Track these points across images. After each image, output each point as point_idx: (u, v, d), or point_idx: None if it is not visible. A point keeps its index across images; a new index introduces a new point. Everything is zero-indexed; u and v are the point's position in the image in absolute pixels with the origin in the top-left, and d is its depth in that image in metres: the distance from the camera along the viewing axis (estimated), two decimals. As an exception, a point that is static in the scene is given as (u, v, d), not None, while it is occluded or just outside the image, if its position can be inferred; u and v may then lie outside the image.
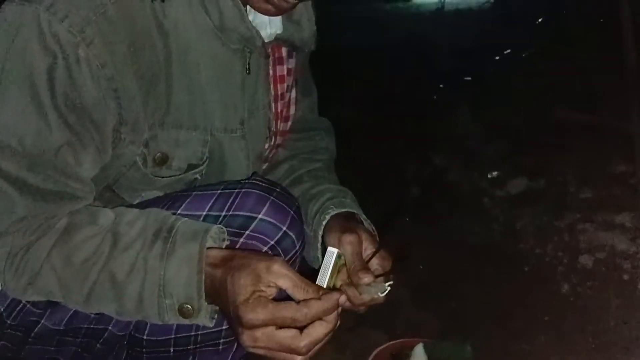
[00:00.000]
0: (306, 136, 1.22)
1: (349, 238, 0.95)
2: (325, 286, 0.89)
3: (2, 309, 0.96)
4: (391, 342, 1.54)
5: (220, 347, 0.97)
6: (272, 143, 1.12)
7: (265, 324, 0.76)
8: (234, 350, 0.99)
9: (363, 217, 1.06)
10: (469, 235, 2.27)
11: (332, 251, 0.91)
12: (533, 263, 2.07)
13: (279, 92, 1.08)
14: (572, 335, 1.66)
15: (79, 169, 0.87)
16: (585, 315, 1.76)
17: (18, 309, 0.95)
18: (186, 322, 0.85)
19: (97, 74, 0.83)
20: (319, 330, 0.77)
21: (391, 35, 7.15)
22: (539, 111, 2.97)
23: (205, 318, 0.84)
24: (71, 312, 0.95)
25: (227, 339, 0.95)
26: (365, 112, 3.72)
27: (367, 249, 0.98)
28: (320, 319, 0.77)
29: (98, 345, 0.99)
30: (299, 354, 0.78)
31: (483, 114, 3.41)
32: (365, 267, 0.94)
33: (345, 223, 1.00)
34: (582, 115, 2.70)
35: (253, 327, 0.77)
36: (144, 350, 0.97)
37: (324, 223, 1.01)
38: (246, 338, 0.78)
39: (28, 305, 0.94)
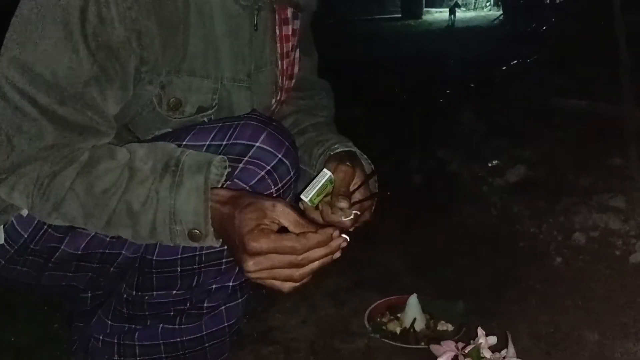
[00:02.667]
0: (308, 95, 1.31)
1: (343, 168, 1.05)
2: (308, 199, 0.99)
3: (25, 235, 1.04)
4: (387, 298, 1.63)
5: (223, 267, 1.06)
6: (278, 98, 1.22)
7: (267, 252, 0.85)
8: (236, 271, 1.08)
9: (364, 157, 1.15)
10: (468, 218, 2.36)
11: (326, 172, 1.01)
12: (527, 240, 2.15)
13: (285, 51, 1.16)
14: (561, 299, 1.73)
15: (103, 104, 0.96)
16: (576, 284, 1.83)
17: (40, 234, 1.03)
18: (195, 244, 0.95)
19: (124, 15, 0.92)
20: (315, 253, 0.87)
21: (403, 49, 7.32)
22: (539, 107, 3.06)
23: (212, 241, 0.94)
24: (89, 238, 1.04)
25: (229, 259, 1.04)
26: (375, 112, 3.86)
27: (357, 183, 1.08)
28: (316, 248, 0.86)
29: (112, 269, 1.09)
30: (294, 280, 0.87)
31: (486, 114, 3.52)
32: (347, 194, 1.03)
33: (346, 158, 1.09)
34: (579, 105, 2.78)
35: (256, 254, 0.85)
36: (153, 271, 1.06)
37: (329, 154, 1.11)
38: (249, 264, 0.86)
39: (50, 231, 1.03)
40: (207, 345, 1.15)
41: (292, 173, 1.03)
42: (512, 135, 2.97)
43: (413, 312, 1.52)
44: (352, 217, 1.00)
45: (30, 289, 1.18)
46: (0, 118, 0.93)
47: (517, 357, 1.13)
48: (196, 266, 1.06)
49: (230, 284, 1.10)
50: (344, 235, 0.89)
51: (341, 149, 1.13)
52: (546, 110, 3.08)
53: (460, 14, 9.89)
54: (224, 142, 1.01)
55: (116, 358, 1.16)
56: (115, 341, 1.15)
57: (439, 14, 10.87)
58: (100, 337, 1.16)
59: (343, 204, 1.01)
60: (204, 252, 1.04)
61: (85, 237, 1.04)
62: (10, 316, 1.55)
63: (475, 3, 15.12)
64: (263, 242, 0.85)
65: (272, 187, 1.00)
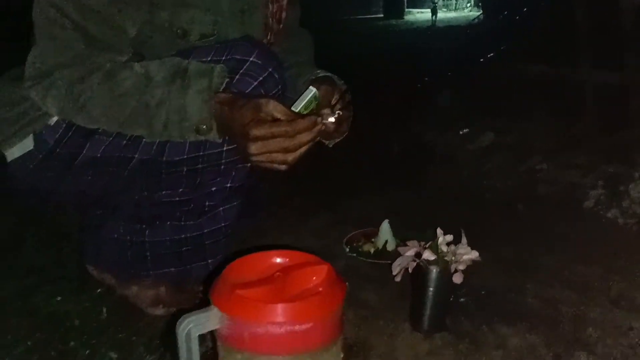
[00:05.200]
0: (292, 40, 1.52)
1: (325, 86, 1.26)
2: (297, 110, 1.19)
3: (52, 142, 1.23)
4: (364, 229, 1.82)
5: (222, 168, 1.24)
6: (267, 38, 1.42)
7: (265, 137, 1.05)
8: (232, 174, 1.27)
9: (342, 82, 1.36)
10: (441, 177, 2.55)
11: (311, 89, 1.22)
12: (494, 193, 2.35)
13: None
14: (523, 234, 1.92)
15: (123, 24, 1.16)
16: (536, 223, 2.02)
17: (65, 140, 1.22)
18: (201, 138, 1.14)
19: None
20: (304, 137, 1.07)
21: (385, 45, 7.54)
22: (508, 80, 3.27)
23: (215, 135, 1.13)
24: (106, 143, 1.22)
25: (228, 160, 1.23)
26: (358, 97, 4.04)
27: (337, 99, 1.29)
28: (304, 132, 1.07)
29: (126, 172, 1.27)
30: (287, 163, 1.08)
31: (459, 95, 3.73)
32: (329, 106, 1.24)
33: (327, 80, 1.31)
34: (543, 70, 2.97)
35: (256, 139, 1.06)
36: (162, 171, 1.25)
37: (312, 78, 1.32)
38: (252, 149, 1.07)
39: (74, 137, 1.22)
40: (206, 242, 1.33)
41: (279, 85, 1.22)
42: (482, 108, 3.17)
43: (385, 235, 1.71)
44: (334, 117, 1.20)
45: (50, 197, 1.36)
46: (39, 31, 1.12)
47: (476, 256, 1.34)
48: (199, 166, 1.24)
49: (228, 185, 1.28)
50: (327, 120, 1.09)
51: (322, 74, 1.34)
52: (515, 83, 3.30)
53: (441, 14, 10.15)
54: (223, 58, 1.20)
55: (128, 253, 1.34)
56: (128, 238, 1.33)
57: (420, 15, 11.13)
58: (115, 236, 1.34)
59: (327, 110, 1.21)
60: (206, 152, 1.22)
61: (103, 142, 1.22)
62: (22, 244, 1.73)
63: (456, 4, 15.52)
64: (261, 129, 1.05)
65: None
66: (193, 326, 0.79)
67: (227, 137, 1.16)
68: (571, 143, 2.69)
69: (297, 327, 0.78)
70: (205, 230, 1.32)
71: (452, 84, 4.30)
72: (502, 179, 2.45)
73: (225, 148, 1.21)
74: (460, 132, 2.86)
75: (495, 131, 2.85)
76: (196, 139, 1.14)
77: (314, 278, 0.84)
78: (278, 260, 0.90)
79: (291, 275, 0.85)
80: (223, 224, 1.33)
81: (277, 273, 0.86)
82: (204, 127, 1.11)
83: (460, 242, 1.34)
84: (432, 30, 9.01)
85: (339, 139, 1.36)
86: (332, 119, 1.20)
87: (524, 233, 1.95)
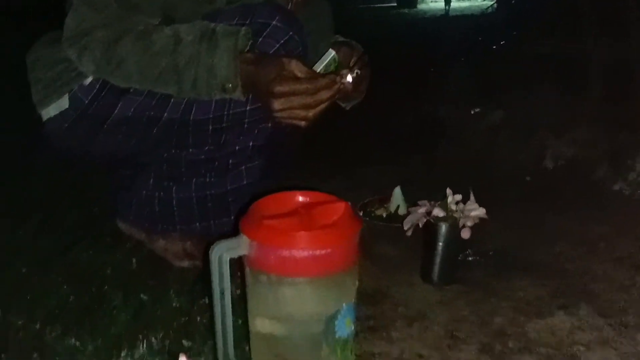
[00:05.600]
0: (312, 8, 1.56)
1: (344, 49, 1.36)
2: (318, 71, 1.27)
3: (86, 101, 1.32)
4: (378, 196, 1.90)
5: (245, 127, 1.33)
6: (289, 6, 1.48)
7: (287, 93, 1.14)
8: (255, 132, 1.35)
9: (359, 46, 1.44)
10: (451, 151, 2.62)
11: (331, 52, 1.30)
12: (502, 167, 2.42)
13: None
14: (530, 202, 2.00)
15: None
16: (542, 193, 2.10)
17: (99, 99, 1.31)
18: (227, 96, 1.22)
19: None
20: (323, 95, 1.15)
21: (399, 32, 7.60)
22: (519, 59, 3.34)
23: (240, 93, 1.21)
24: (138, 102, 1.30)
25: (251, 119, 1.32)
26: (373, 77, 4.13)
27: (355, 61, 1.37)
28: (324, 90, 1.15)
29: (155, 131, 1.36)
30: (308, 119, 1.16)
31: (473, 76, 3.79)
32: (348, 67, 1.32)
33: (346, 44, 1.40)
34: (554, 47, 3.03)
35: (280, 95, 1.14)
36: (189, 129, 1.33)
37: (331, 42, 1.41)
38: (275, 105, 1.15)
39: (107, 96, 1.31)
40: (229, 199, 1.42)
41: (300, 48, 1.30)
42: (494, 88, 3.23)
43: (397, 200, 1.79)
44: (352, 77, 1.28)
45: (83, 156, 1.45)
46: None
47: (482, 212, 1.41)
48: (224, 125, 1.32)
49: (251, 144, 1.37)
50: (345, 79, 1.18)
51: (341, 39, 1.42)
52: (525, 62, 3.36)
53: (454, 3, 10.15)
54: (247, 22, 1.28)
55: (157, 209, 1.43)
56: (157, 195, 1.42)
57: (433, 4, 11.12)
58: (144, 193, 1.43)
59: (345, 71, 1.29)
60: (230, 112, 1.31)
61: (135, 102, 1.31)
62: (57, 202, 1.83)
63: (469, -7, 15.45)
64: (285, 85, 1.14)
65: None
66: (225, 251, 0.88)
67: (250, 97, 1.24)
68: (577, 118, 2.75)
69: (317, 252, 0.86)
70: (229, 188, 1.41)
71: (464, 67, 4.36)
72: (510, 153, 2.52)
73: (248, 107, 1.29)
74: (472, 112, 2.92)
75: (505, 109, 2.91)
76: (222, 96, 1.22)
77: (333, 213, 0.93)
78: (301, 198, 0.99)
79: (313, 210, 0.94)
80: (246, 182, 1.41)
81: (300, 208, 0.94)
82: (230, 85, 1.19)
83: (469, 200, 1.41)
84: (446, 20, 9.02)
85: (355, 102, 1.44)
86: (350, 79, 1.27)
87: (531, 200, 2.03)
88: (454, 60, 5.01)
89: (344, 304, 0.91)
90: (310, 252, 0.86)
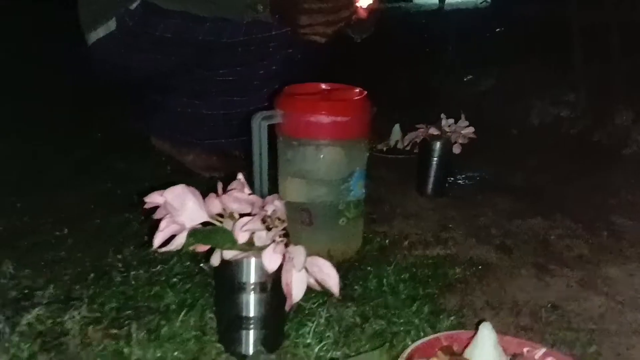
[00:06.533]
0: None
1: None
2: None
3: (131, 23, 1.51)
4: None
5: (270, 50, 1.53)
6: None
7: (313, 10, 1.33)
8: (277, 57, 1.54)
9: None
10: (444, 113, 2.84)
11: None
12: (492, 122, 2.63)
13: None
14: (513, 152, 2.21)
15: None
16: (526, 145, 2.31)
17: (143, 21, 1.49)
18: (256, 16, 1.41)
19: None
20: (343, 13, 1.35)
21: (395, 22, 7.81)
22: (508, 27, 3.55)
23: (268, 15, 1.40)
24: (177, 24, 1.47)
25: (275, 44, 1.51)
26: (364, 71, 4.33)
27: None
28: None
29: (190, 50, 1.55)
30: (327, 35, 1.37)
31: (463, 54, 4.01)
32: None
33: None
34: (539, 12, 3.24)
35: (306, 11, 1.33)
36: (220, 51, 1.53)
37: None
38: (303, 19, 1.34)
39: (151, 18, 1.50)
40: (251, 119, 1.62)
41: None
42: (483, 60, 3.45)
43: (396, 136, 2.00)
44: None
45: (126, 74, 1.64)
46: None
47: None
48: (252, 47, 1.52)
49: (273, 67, 1.56)
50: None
51: None
52: (514, 29, 3.58)
53: (449, -3, 10.38)
54: None
55: (187, 124, 1.63)
56: (188, 111, 1.62)
57: (428, -1, 11.35)
58: (177, 109, 1.63)
59: None
60: (257, 35, 1.50)
61: (174, 24, 1.49)
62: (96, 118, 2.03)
63: (463, -11, 15.73)
64: (311, 3, 1.33)
65: None
66: (263, 119, 1.09)
67: (276, 21, 1.44)
68: (560, 81, 2.96)
69: (338, 119, 1.07)
70: (251, 108, 1.59)
71: (455, 48, 4.58)
72: (499, 113, 2.73)
73: (274, 32, 1.49)
74: (465, 79, 3.14)
75: (495, 77, 3.13)
76: (253, 17, 1.42)
77: (351, 94, 1.14)
78: (324, 86, 1.20)
79: (334, 92, 1.15)
80: (267, 104, 1.61)
81: (324, 90, 1.15)
82: (261, 6, 1.40)
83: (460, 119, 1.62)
84: (440, 13, 9.25)
85: (366, 35, 1.63)
86: (365, 3, 1.47)
87: (516, 146, 2.25)
88: (447, 44, 5.23)
89: (357, 168, 1.12)
90: (332, 119, 1.06)
